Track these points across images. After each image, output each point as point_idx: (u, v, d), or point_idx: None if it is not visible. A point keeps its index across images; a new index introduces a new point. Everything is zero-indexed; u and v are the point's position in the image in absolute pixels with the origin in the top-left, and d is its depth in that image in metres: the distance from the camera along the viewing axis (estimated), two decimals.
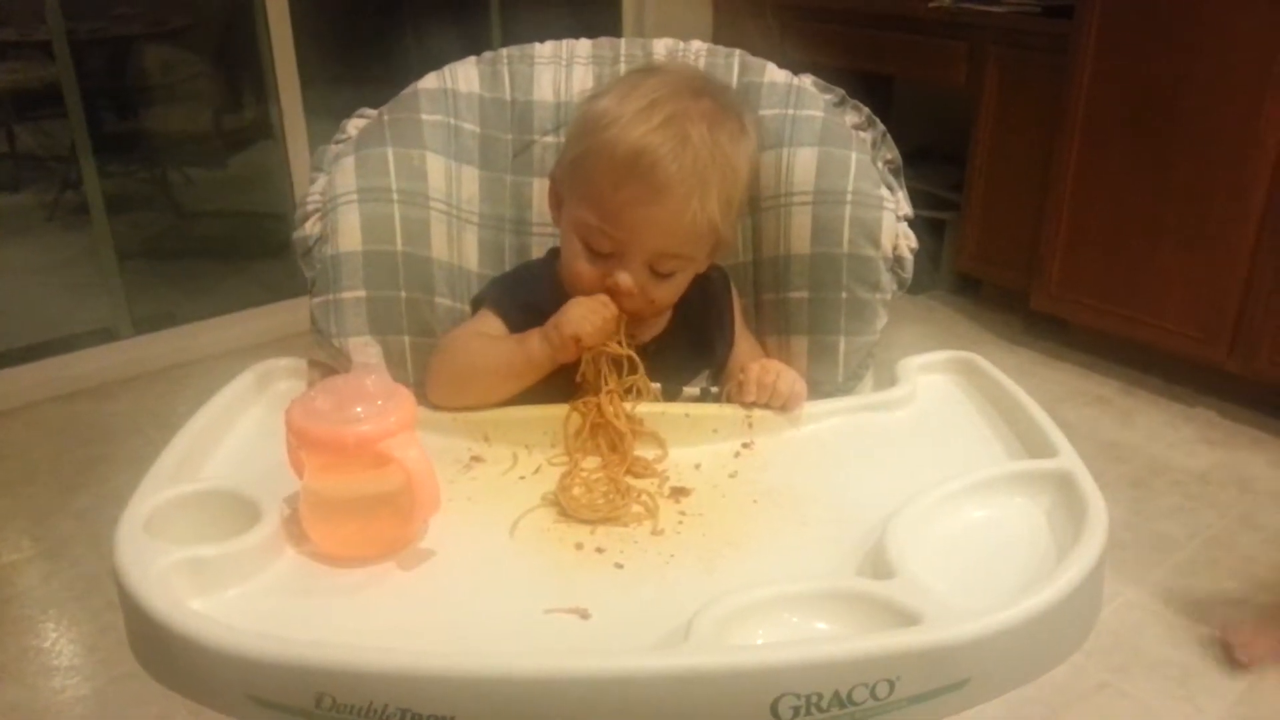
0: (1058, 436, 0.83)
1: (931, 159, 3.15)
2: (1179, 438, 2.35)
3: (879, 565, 0.70)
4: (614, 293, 0.90)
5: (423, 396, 0.96)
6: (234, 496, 0.77)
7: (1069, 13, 2.53)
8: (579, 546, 0.77)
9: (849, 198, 0.99)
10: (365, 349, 0.74)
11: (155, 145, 3.93)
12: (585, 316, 0.88)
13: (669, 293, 0.94)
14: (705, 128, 0.88)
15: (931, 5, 2.92)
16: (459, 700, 0.59)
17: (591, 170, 0.89)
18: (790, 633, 0.65)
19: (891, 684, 0.60)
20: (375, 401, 0.73)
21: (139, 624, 0.67)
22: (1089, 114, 2.51)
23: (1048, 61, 2.61)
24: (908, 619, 0.63)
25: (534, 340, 0.90)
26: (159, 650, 0.66)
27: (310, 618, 0.69)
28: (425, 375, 0.95)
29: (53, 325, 2.89)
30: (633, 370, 0.90)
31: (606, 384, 0.88)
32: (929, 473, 0.80)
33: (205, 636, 0.63)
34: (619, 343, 0.89)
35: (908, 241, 1.01)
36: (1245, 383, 2.37)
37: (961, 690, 0.62)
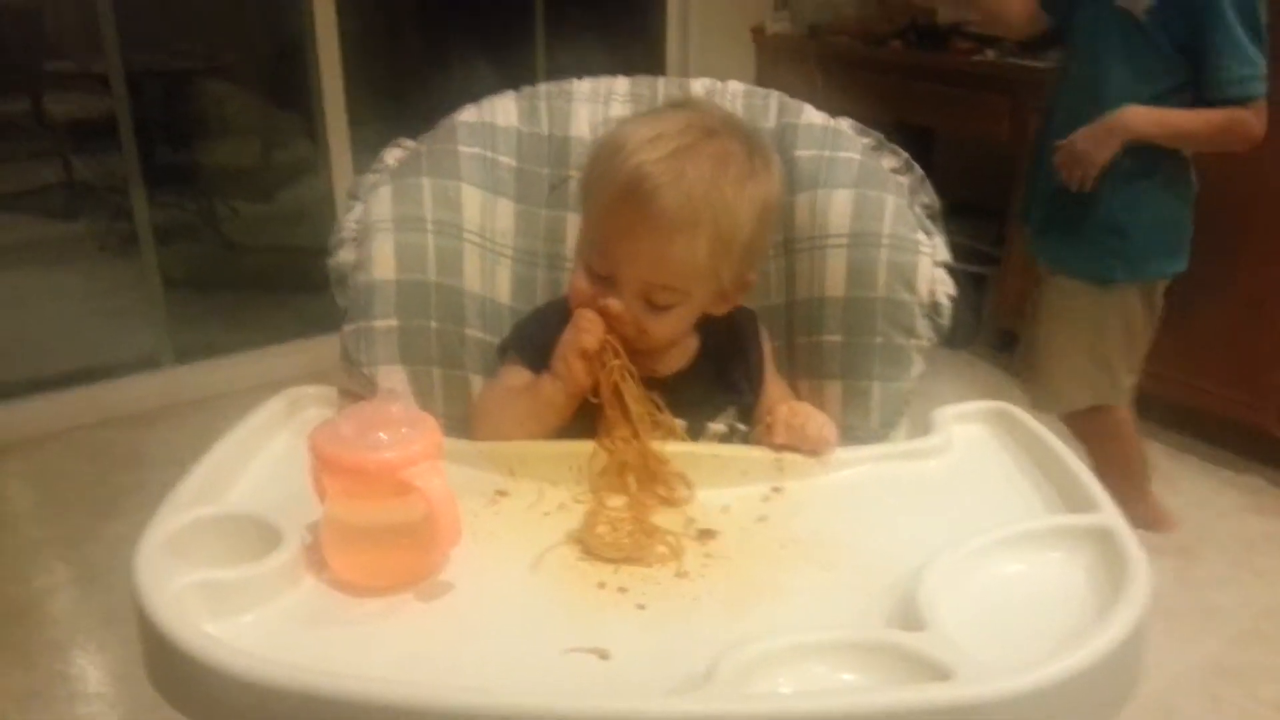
0: (1098, 491, 0.80)
1: (972, 213, 3.12)
2: (1227, 505, 2.28)
3: (909, 617, 0.67)
4: (604, 315, 0.90)
5: (449, 429, 0.95)
6: (255, 521, 0.77)
7: None
8: (601, 586, 0.75)
9: (885, 241, 0.98)
10: (392, 375, 0.73)
11: (205, 178, 4.01)
12: (576, 336, 0.88)
13: (665, 327, 0.92)
14: (708, 167, 0.87)
15: (975, 59, 2.92)
16: None
17: (593, 193, 0.91)
18: (815, 683, 0.62)
19: None
20: (399, 429, 0.72)
21: (153, 644, 0.66)
22: None
23: None
24: (939, 674, 0.61)
25: (545, 382, 0.91)
26: (171, 672, 0.65)
27: (325, 646, 0.68)
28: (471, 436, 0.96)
29: (97, 352, 2.93)
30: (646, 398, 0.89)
31: (627, 408, 0.87)
32: (963, 524, 0.78)
33: (213, 659, 0.62)
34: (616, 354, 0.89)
35: (945, 288, 0.99)
36: None
37: None
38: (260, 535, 0.75)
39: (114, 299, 3.29)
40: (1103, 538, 0.75)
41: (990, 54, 2.91)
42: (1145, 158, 1.75)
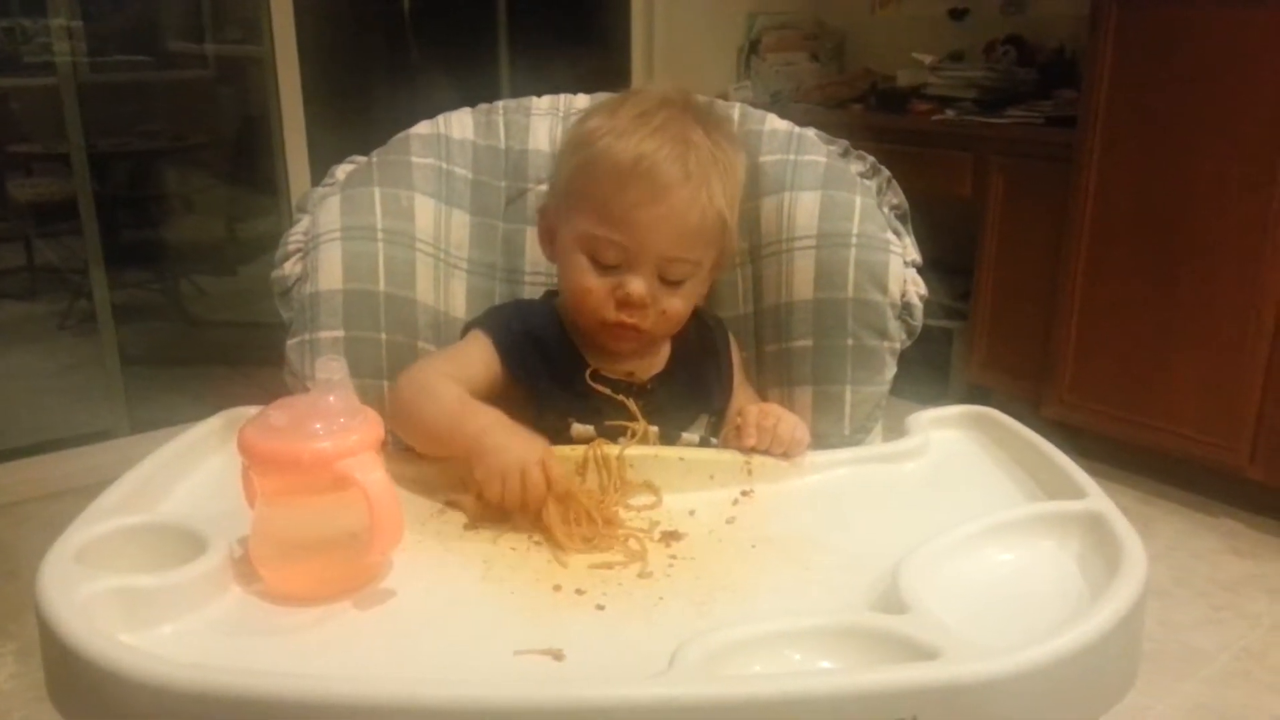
0: (1085, 479, 0.75)
1: (938, 270, 3.12)
2: (1203, 547, 2.24)
3: (890, 604, 0.62)
4: (625, 304, 0.87)
5: (395, 442, 0.90)
6: (180, 531, 0.71)
7: (1072, 123, 2.55)
8: (557, 588, 0.69)
9: (854, 240, 0.95)
10: (329, 364, 0.68)
11: (170, 255, 3.98)
12: (509, 479, 0.75)
13: (680, 303, 0.90)
14: (702, 132, 0.88)
15: (935, 118, 2.96)
16: None
17: (592, 181, 0.87)
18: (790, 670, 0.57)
19: None
20: (337, 419, 0.67)
21: (55, 656, 0.59)
22: (1095, 221, 2.49)
23: (1052, 170, 2.61)
24: (925, 654, 0.55)
25: (471, 431, 0.79)
26: (76, 686, 0.59)
27: (253, 657, 0.62)
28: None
29: (51, 428, 2.85)
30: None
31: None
32: (946, 519, 0.73)
33: (123, 667, 0.55)
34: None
35: (916, 288, 0.96)
36: (1270, 491, 2.27)
37: None
38: (185, 545, 0.69)
39: (71, 376, 3.22)
40: (1094, 523, 0.70)
41: (950, 113, 2.96)
42: None
